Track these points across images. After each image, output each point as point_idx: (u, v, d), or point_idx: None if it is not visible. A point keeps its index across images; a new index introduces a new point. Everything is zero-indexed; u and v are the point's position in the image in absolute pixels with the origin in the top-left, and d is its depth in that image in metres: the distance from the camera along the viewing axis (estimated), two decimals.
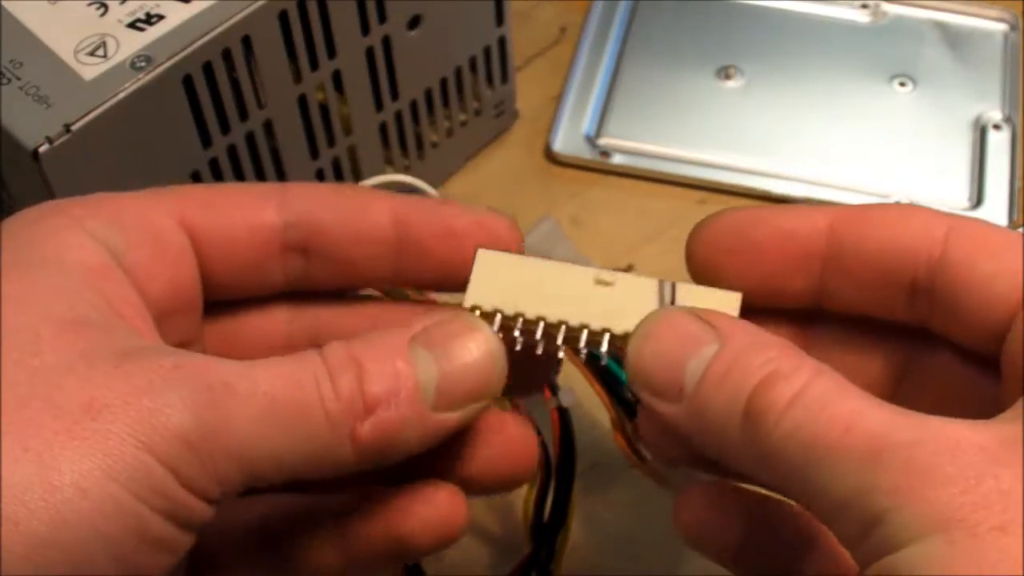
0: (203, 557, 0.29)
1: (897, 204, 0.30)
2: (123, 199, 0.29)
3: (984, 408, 0.27)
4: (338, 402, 0.26)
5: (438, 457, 0.30)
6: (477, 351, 0.28)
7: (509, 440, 0.31)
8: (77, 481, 0.23)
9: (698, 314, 0.28)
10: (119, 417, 0.24)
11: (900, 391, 0.31)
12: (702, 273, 0.30)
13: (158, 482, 0.24)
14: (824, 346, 0.31)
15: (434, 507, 0.30)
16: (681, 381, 0.27)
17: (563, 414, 0.39)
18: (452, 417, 0.28)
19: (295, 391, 0.26)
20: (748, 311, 0.30)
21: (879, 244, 0.29)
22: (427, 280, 0.32)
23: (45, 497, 0.23)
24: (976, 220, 0.29)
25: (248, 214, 0.30)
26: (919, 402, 0.31)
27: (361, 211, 0.31)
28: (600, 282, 0.30)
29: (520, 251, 0.31)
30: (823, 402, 0.25)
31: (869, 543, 0.24)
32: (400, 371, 0.27)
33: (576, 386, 0.39)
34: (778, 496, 0.30)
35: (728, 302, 0.29)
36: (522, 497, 0.38)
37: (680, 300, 0.29)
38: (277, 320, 0.32)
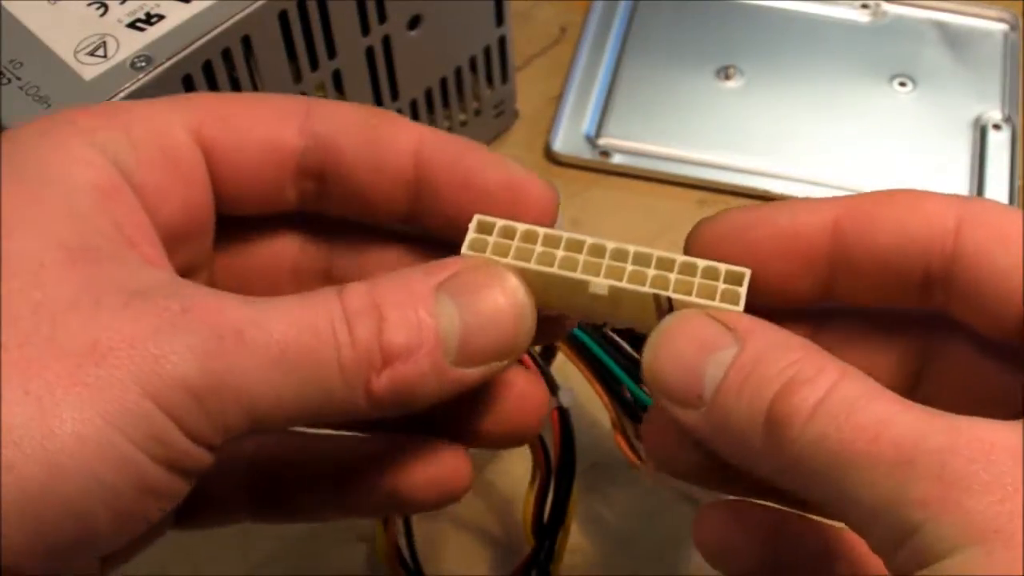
0: (193, 490, 0.29)
1: (902, 192, 0.28)
2: (137, 108, 0.28)
3: (1009, 398, 0.26)
4: (354, 352, 0.25)
5: (445, 407, 0.28)
6: (505, 305, 0.27)
7: (519, 396, 0.30)
8: (77, 429, 0.23)
9: (715, 315, 0.27)
10: (123, 363, 0.23)
11: (921, 382, 0.30)
12: None
13: (160, 431, 0.23)
14: (839, 341, 0.30)
15: (437, 467, 0.30)
16: (700, 387, 0.26)
17: (563, 414, 0.39)
18: (472, 373, 0.27)
19: (309, 339, 0.25)
20: (758, 312, 0.29)
21: (887, 239, 0.28)
22: (438, 224, 0.30)
23: (43, 444, 0.22)
24: (986, 204, 0.27)
25: (267, 133, 0.29)
26: (941, 393, 0.30)
27: (383, 143, 0.29)
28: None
29: (553, 219, 0.30)
30: (849, 408, 0.24)
31: (904, 554, 0.23)
32: (422, 321, 0.26)
33: (576, 386, 0.39)
34: (799, 513, 0.30)
35: (735, 280, 0.28)
36: (522, 497, 0.38)
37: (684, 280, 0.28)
38: (288, 246, 0.31)
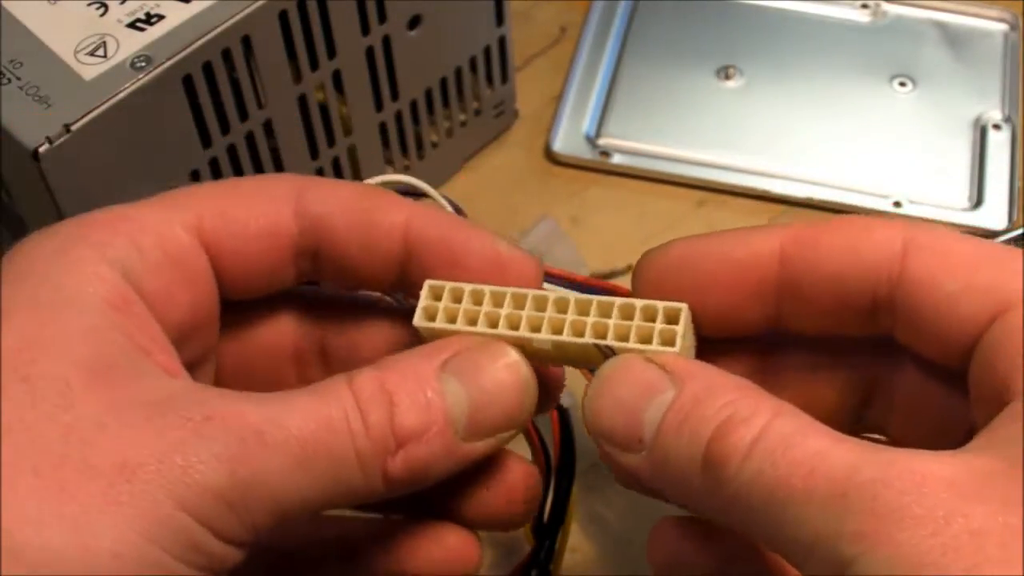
0: None
1: (849, 218, 0.28)
2: (140, 214, 0.28)
3: (956, 423, 0.26)
4: (369, 441, 0.26)
5: (442, 491, 0.30)
6: (508, 377, 0.28)
7: (510, 487, 0.31)
8: (113, 547, 0.23)
9: (653, 359, 0.27)
10: (153, 477, 0.24)
11: (870, 408, 0.30)
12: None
13: (194, 538, 0.24)
14: (788, 369, 0.31)
15: (444, 549, 0.31)
16: (640, 431, 0.26)
17: (563, 414, 0.39)
18: (481, 446, 0.28)
19: (326, 434, 0.26)
20: (706, 342, 0.29)
21: (834, 266, 0.28)
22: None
23: (82, 563, 0.23)
24: (934, 229, 0.27)
25: (266, 222, 0.29)
26: (889, 419, 0.30)
27: (374, 225, 0.30)
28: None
29: (537, 287, 0.30)
30: (784, 445, 0.24)
31: None
32: (431, 402, 0.27)
33: (576, 386, 0.39)
34: None
35: (672, 317, 0.28)
36: None
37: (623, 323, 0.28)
38: (287, 324, 0.32)
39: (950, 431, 0.26)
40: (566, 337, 0.29)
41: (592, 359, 0.29)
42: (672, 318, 0.28)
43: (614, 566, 0.43)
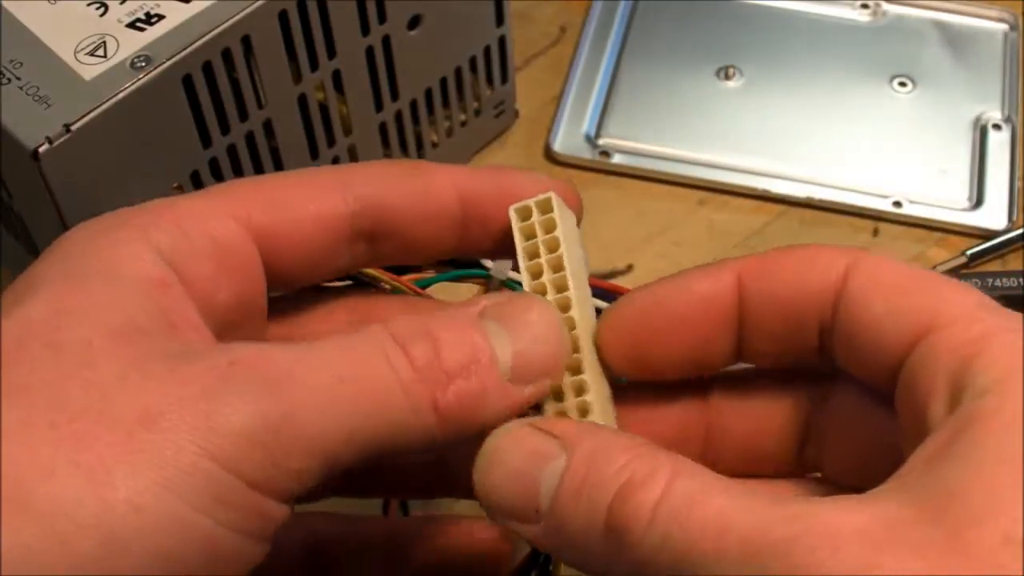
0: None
1: (800, 247, 0.28)
2: (186, 204, 0.28)
3: (892, 452, 0.26)
4: (414, 372, 0.25)
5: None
6: (544, 325, 0.28)
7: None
8: (131, 497, 0.22)
9: (538, 425, 0.27)
10: (175, 424, 0.23)
11: (807, 447, 0.30)
12: (625, 362, 0.30)
13: (225, 490, 0.23)
14: (730, 398, 0.31)
15: (477, 542, 0.31)
16: (535, 501, 0.26)
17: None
18: (525, 393, 0.27)
19: (362, 368, 0.25)
20: (646, 389, 0.30)
21: (784, 294, 0.28)
22: (488, 248, 0.31)
23: (96, 514, 0.22)
24: (877, 256, 0.27)
25: (314, 209, 0.29)
26: (824, 455, 0.30)
27: (425, 191, 0.30)
28: None
29: (579, 212, 0.32)
30: (689, 505, 0.23)
31: None
32: (476, 341, 0.26)
33: None
34: None
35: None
36: None
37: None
38: (337, 318, 0.32)
39: (887, 461, 0.25)
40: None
41: None
42: (582, 389, 0.29)
43: None
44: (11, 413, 0.23)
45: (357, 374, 0.25)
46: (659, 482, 0.24)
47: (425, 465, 0.33)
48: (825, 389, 0.30)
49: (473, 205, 0.30)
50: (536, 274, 0.29)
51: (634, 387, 0.30)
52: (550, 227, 0.30)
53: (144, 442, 0.23)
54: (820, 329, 0.28)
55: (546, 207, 0.30)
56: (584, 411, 0.28)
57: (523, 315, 0.27)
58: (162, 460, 0.22)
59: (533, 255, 0.30)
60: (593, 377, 0.29)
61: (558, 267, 0.29)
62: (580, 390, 0.29)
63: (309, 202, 0.29)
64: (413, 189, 0.30)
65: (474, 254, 0.32)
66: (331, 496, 0.32)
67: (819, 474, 0.31)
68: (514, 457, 0.26)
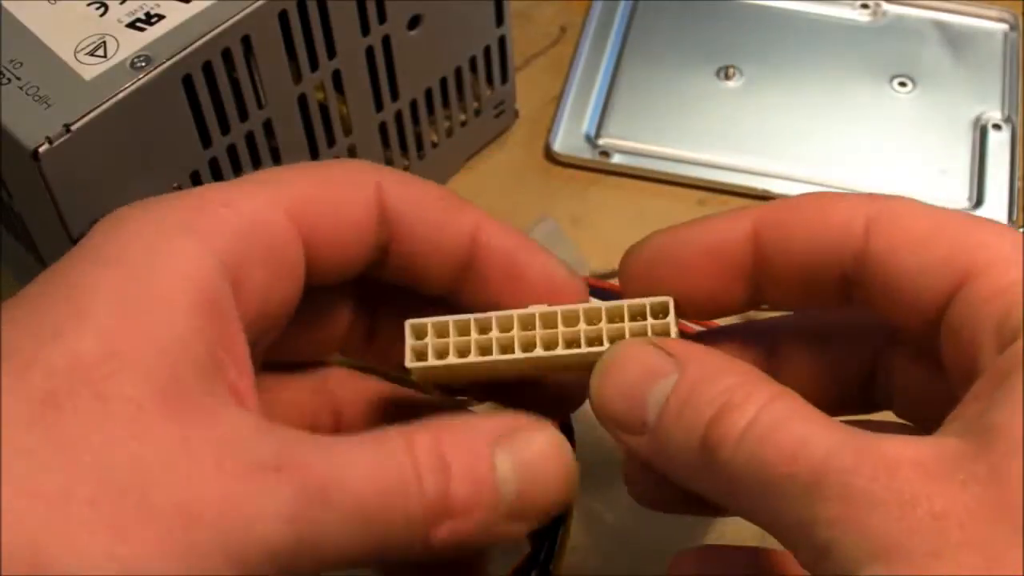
0: None
1: (814, 196, 0.29)
2: (246, 199, 0.28)
3: (948, 395, 0.26)
4: (422, 508, 0.26)
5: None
6: (556, 472, 0.28)
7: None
8: None
9: (657, 343, 0.28)
10: (212, 528, 0.23)
11: (874, 389, 0.31)
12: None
13: None
14: (792, 354, 0.31)
15: None
16: (643, 414, 0.27)
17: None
18: (517, 528, 0.27)
19: (385, 498, 0.25)
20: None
21: (801, 244, 0.28)
22: (476, 300, 0.31)
23: None
24: (895, 203, 0.28)
25: (356, 212, 0.29)
26: (892, 398, 0.31)
27: (447, 228, 0.30)
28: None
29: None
30: (772, 430, 0.25)
31: (822, 572, 0.24)
32: (484, 478, 0.26)
33: None
34: (770, 548, 0.30)
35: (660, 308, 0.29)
36: None
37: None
38: (344, 311, 0.33)
39: (947, 403, 0.26)
40: (561, 352, 0.29)
41: (589, 367, 0.29)
42: (662, 310, 0.29)
43: (614, 566, 0.43)
44: (50, 477, 0.22)
45: (378, 503, 0.25)
46: (753, 406, 0.25)
47: None
48: (889, 331, 0.30)
49: (481, 258, 0.31)
50: (485, 348, 0.29)
51: (697, 335, 0.31)
52: (442, 328, 0.29)
53: (181, 544, 0.23)
54: (842, 279, 0.28)
55: (420, 330, 0.29)
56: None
57: (531, 450, 0.27)
58: (191, 565, 0.23)
59: (465, 351, 0.29)
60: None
61: (486, 325, 0.29)
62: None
63: (351, 204, 0.29)
64: (437, 219, 0.30)
65: (463, 300, 0.32)
66: None
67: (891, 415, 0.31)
68: (629, 371, 0.28)
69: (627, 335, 0.29)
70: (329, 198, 0.29)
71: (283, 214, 0.28)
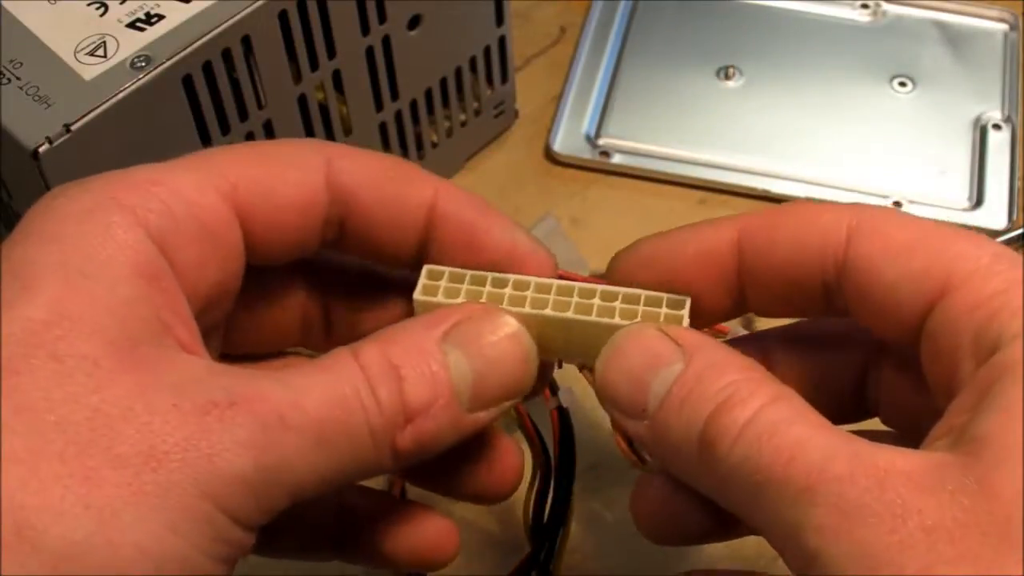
0: None
1: (798, 204, 0.29)
2: (175, 177, 0.28)
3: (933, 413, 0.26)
4: (381, 417, 0.26)
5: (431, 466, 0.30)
6: (510, 347, 0.28)
7: (499, 459, 0.32)
8: (138, 540, 0.23)
9: (666, 331, 0.28)
10: (179, 467, 0.24)
11: (864, 397, 0.31)
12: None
13: (219, 528, 0.24)
14: (788, 348, 0.32)
15: (422, 535, 0.31)
16: (645, 400, 0.27)
17: (563, 414, 0.39)
18: (484, 416, 0.28)
19: (342, 413, 0.26)
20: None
21: (783, 254, 0.28)
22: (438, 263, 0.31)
23: (106, 557, 0.23)
24: (878, 213, 0.28)
25: (299, 191, 0.29)
26: (879, 406, 0.31)
27: (402, 198, 0.30)
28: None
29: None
30: (772, 431, 0.25)
31: None
32: (436, 375, 0.27)
33: (576, 386, 0.39)
34: (759, 572, 0.30)
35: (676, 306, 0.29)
36: (522, 497, 0.38)
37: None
38: (298, 292, 0.33)
39: (931, 412, 0.26)
40: (571, 315, 0.29)
41: (594, 347, 0.29)
42: (677, 305, 0.29)
43: (614, 566, 0.43)
44: (18, 440, 0.23)
45: (336, 420, 0.26)
46: (754, 404, 0.25)
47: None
48: (875, 339, 0.30)
49: (439, 227, 0.30)
50: (498, 300, 0.29)
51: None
52: (459, 277, 0.30)
53: (149, 483, 0.23)
54: (824, 288, 0.28)
55: (435, 274, 0.30)
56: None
57: (485, 337, 0.28)
58: (167, 502, 0.23)
59: (477, 299, 0.30)
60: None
61: (502, 281, 0.30)
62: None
63: (293, 186, 0.29)
64: (389, 191, 0.30)
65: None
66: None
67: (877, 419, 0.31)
68: (636, 355, 0.28)
69: (639, 318, 0.29)
70: (266, 179, 0.29)
71: (214, 193, 0.28)
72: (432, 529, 0.32)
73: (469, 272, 0.30)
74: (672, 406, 0.26)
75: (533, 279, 0.30)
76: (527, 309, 0.29)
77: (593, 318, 0.29)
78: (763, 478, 0.24)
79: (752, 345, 0.32)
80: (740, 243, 0.29)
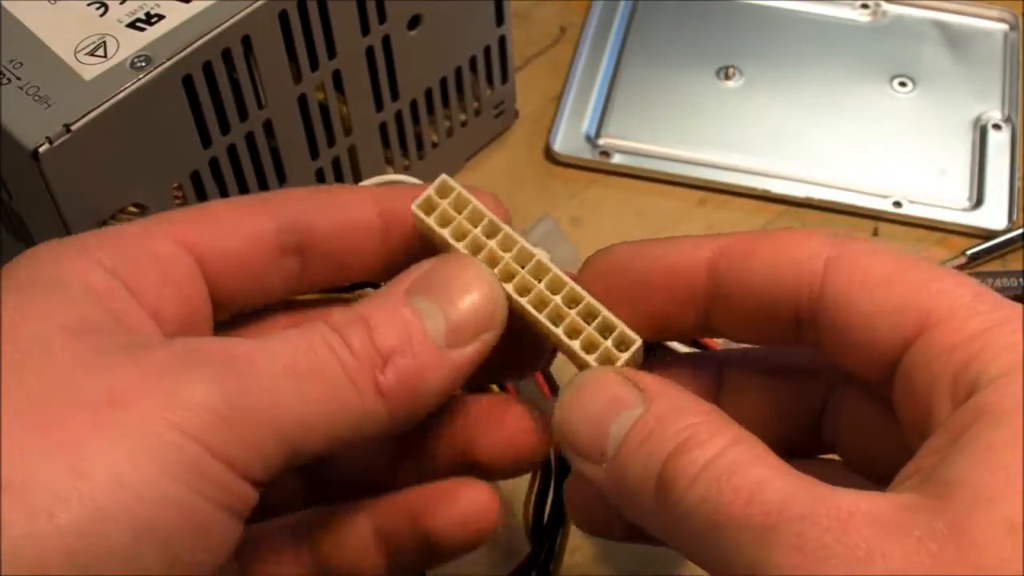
0: (244, 548, 0.29)
1: (778, 232, 0.28)
2: (123, 228, 0.29)
3: (899, 444, 0.26)
4: (354, 357, 0.26)
5: (453, 447, 0.31)
6: (471, 277, 0.28)
7: (514, 421, 0.31)
8: (110, 468, 0.22)
9: (628, 375, 0.27)
10: (143, 402, 0.24)
11: (822, 429, 0.30)
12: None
13: (196, 461, 0.24)
14: (742, 373, 0.31)
15: (460, 503, 0.30)
16: (604, 444, 0.27)
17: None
18: (468, 351, 0.28)
19: (310, 356, 0.26)
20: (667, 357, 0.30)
21: (757, 281, 0.28)
22: (414, 261, 0.31)
23: (78, 486, 0.22)
24: (857, 246, 0.27)
25: (242, 225, 0.30)
26: (839, 439, 0.30)
27: (346, 206, 0.31)
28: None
29: (506, 217, 0.31)
30: (730, 471, 0.24)
31: None
32: (405, 317, 0.27)
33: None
34: None
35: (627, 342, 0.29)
36: (522, 497, 0.38)
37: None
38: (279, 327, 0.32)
39: (897, 451, 0.25)
40: (524, 301, 0.29)
41: (538, 334, 0.30)
42: (624, 344, 0.29)
43: (614, 566, 0.43)
44: None
45: (305, 361, 0.26)
46: (714, 446, 0.25)
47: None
48: (841, 373, 0.29)
49: (393, 219, 0.31)
50: (477, 248, 0.30)
51: (645, 360, 0.31)
52: (463, 204, 0.30)
53: (113, 419, 0.23)
54: (796, 318, 0.27)
55: (446, 190, 0.30)
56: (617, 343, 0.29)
57: (448, 279, 0.28)
58: (133, 433, 0.23)
59: (462, 235, 0.30)
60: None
61: (493, 231, 0.30)
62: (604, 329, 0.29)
63: (235, 220, 0.30)
64: (331, 203, 0.31)
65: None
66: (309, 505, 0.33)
67: (836, 457, 0.31)
68: (595, 399, 0.27)
69: (579, 341, 0.29)
70: (213, 218, 0.30)
71: (162, 236, 0.29)
72: (469, 497, 0.31)
73: (472, 203, 0.30)
74: (630, 447, 0.26)
75: (520, 243, 0.30)
76: (491, 272, 0.29)
77: (542, 317, 0.29)
78: (721, 518, 0.24)
79: (708, 362, 0.31)
80: (715, 264, 0.28)
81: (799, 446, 0.31)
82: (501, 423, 0.31)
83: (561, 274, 0.30)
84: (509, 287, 0.29)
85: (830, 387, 0.30)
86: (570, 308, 0.29)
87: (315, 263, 0.31)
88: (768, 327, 0.28)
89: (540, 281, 0.29)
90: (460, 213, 0.30)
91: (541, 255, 0.30)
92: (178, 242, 0.29)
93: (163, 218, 0.30)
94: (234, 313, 0.31)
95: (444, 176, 0.30)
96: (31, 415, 0.23)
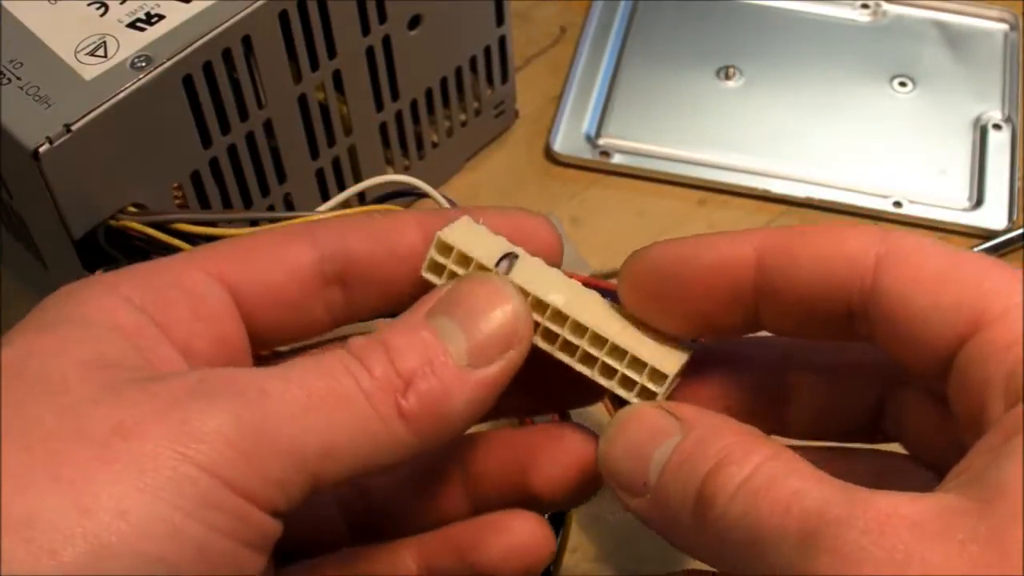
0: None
1: (825, 226, 0.28)
2: (158, 263, 0.29)
3: (958, 438, 0.26)
4: (374, 381, 0.26)
5: (506, 479, 0.31)
6: (494, 294, 0.28)
7: (571, 450, 0.31)
8: (114, 504, 0.22)
9: (666, 407, 0.28)
10: (151, 433, 0.23)
11: (884, 421, 0.31)
12: (639, 315, 0.30)
13: (209, 494, 0.23)
14: (808, 364, 0.31)
15: (512, 536, 0.30)
16: (646, 475, 0.27)
17: (564, 417, 0.39)
18: (492, 370, 0.27)
19: (328, 381, 0.25)
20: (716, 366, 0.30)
21: (808, 275, 0.27)
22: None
23: (81, 523, 0.22)
24: (907, 240, 0.27)
25: (281, 255, 0.29)
26: (903, 432, 0.30)
27: (390, 232, 0.30)
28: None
29: (559, 251, 0.31)
30: (767, 484, 0.24)
31: None
32: (425, 339, 0.27)
33: None
34: None
35: (674, 359, 0.29)
36: None
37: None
38: None
39: (957, 446, 0.25)
40: (555, 350, 0.29)
41: (565, 370, 0.29)
42: (657, 377, 0.29)
43: (614, 566, 0.43)
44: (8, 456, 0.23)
45: (323, 387, 0.25)
46: (751, 463, 0.25)
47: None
48: (897, 369, 0.29)
49: None
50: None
51: (712, 348, 0.31)
52: (464, 259, 0.29)
53: (121, 452, 0.23)
54: (846, 314, 0.27)
55: (446, 250, 0.29)
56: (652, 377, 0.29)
57: (467, 297, 0.28)
58: (141, 467, 0.23)
59: None
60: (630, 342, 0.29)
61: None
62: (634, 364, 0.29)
63: (274, 251, 0.29)
64: (374, 229, 0.30)
65: None
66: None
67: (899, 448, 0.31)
68: (637, 431, 0.28)
69: (615, 380, 0.29)
70: (251, 250, 0.29)
71: (197, 269, 0.28)
72: (520, 528, 0.31)
73: (476, 256, 0.29)
74: (671, 473, 0.26)
75: (531, 294, 0.29)
76: (517, 287, 0.29)
77: (575, 363, 0.29)
78: (762, 531, 0.24)
79: (772, 355, 0.31)
80: (760, 260, 0.28)
81: (863, 435, 0.31)
82: (557, 452, 0.31)
83: (580, 316, 0.29)
84: (536, 338, 0.29)
85: (890, 380, 0.30)
86: (598, 349, 0.29)
87: (360, 292, 0.30)
88: (820, 322, 0.28)
89: (563, 326, 0.29)
90: (466, 265, 0.29)
91: (556, 300, 0.29)
92: (212, 275, 0.28)
93: (200, 251, 0.29)
94: (277, 346, 0.30)
95: (438, 233, 0.29)
96: (39, 449, 0.23)
